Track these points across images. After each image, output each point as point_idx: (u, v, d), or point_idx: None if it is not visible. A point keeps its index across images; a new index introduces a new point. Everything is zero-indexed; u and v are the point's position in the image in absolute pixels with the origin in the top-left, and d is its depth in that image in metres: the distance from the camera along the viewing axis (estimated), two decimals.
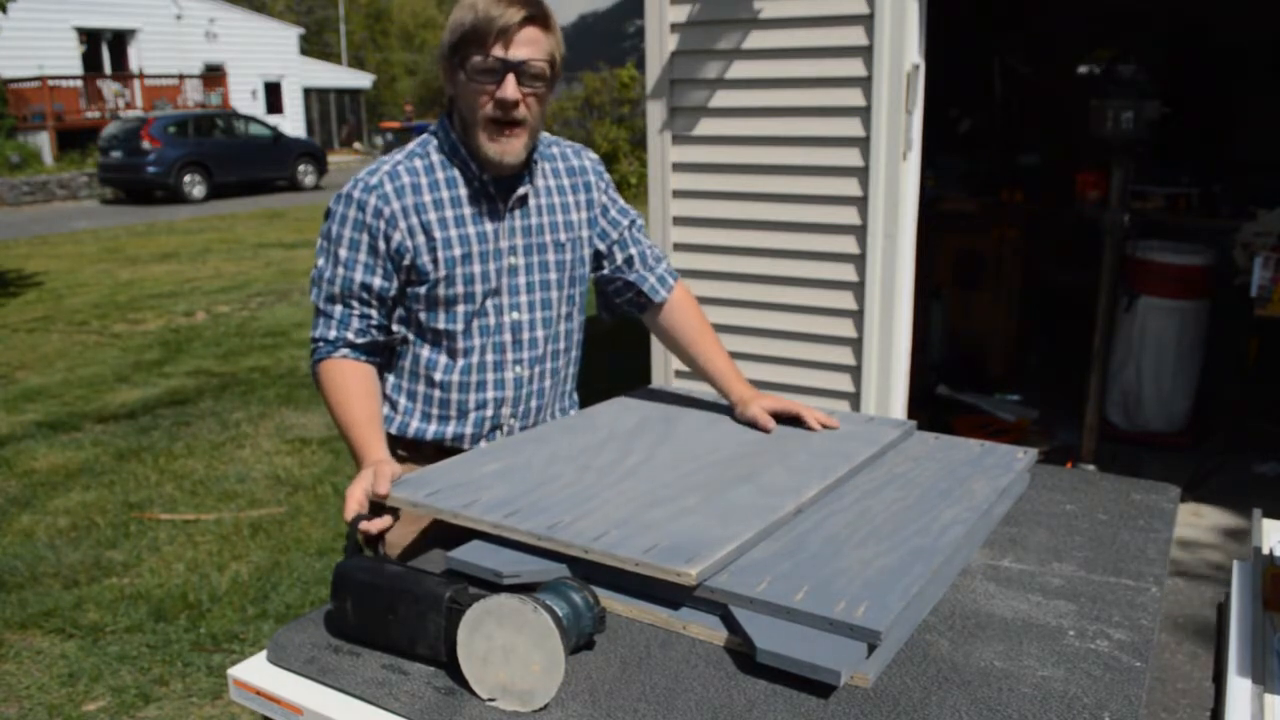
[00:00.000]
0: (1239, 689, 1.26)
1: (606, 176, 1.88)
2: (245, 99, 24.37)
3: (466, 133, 1.66)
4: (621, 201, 1.89)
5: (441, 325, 1.70)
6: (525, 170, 1.71)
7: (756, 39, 3.54)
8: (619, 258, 1.87)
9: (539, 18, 1.59)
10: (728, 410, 1.85)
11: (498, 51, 1.56)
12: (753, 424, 1.76)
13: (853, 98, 3.39)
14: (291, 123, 25.61)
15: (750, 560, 1.26)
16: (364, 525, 1.40)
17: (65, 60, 20.76)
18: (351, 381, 1.65)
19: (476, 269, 1.68)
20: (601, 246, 1.86)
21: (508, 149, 1.63)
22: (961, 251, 5.25)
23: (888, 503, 1.45)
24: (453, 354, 1.72)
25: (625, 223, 1.87)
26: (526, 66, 1.58)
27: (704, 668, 1.14)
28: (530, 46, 1.58)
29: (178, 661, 2.97)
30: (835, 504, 1.45)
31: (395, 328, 1.73)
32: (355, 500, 1.44)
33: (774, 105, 3.56)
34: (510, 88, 1.58)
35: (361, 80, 31.77)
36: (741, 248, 3.74)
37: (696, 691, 1.09)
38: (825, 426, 1.75)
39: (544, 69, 1.61)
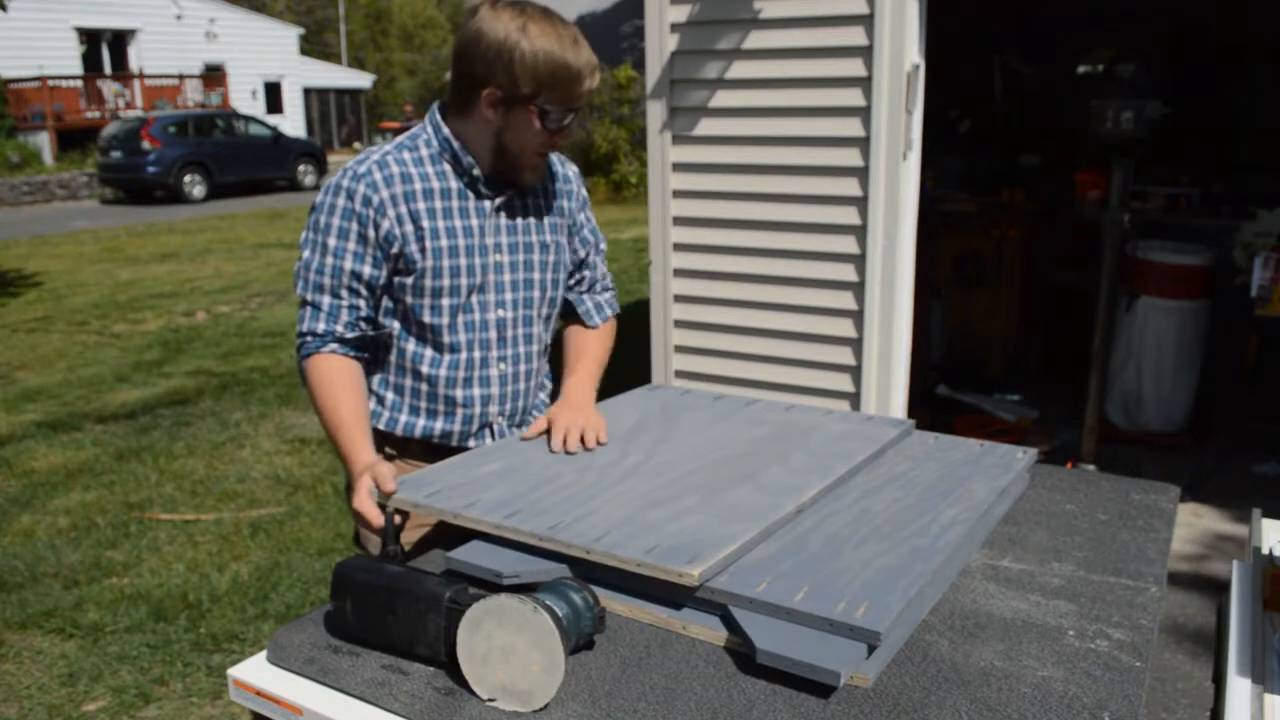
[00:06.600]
0: (1239, 689, 1.26)
1: (585, 193, 1.91)
2: (245, 99, 24.37)
3: (500, 156, 1.67)
4: (594, 221, 1.93)
5: (427, 319, 1.70)
6: None
7: (756, 39, 3.54)
8: (574, 277, 1.91)
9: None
10: (728, 410, 1.85)
11: (575, 103, 1.63)
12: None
13: (853, 98, 3.39)
14: (291, 123, 25.60)
15: (750, 560, 1.26)
16: (395, 516, 1.43)
17: (65, 60, 20.74)
18: (340, 379, 1.65)
19: (463, 262, 1.69)
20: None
21: (540, 173, 1.73)
22: (961, 251, 5.25)
23: (887, 503, 1.45)
24: (439, 348, 1.73)
25: (594, 242, 1.91)
26: None
27: (704, 668, 1.14)
28: None
29: (178, 661, 2.97)
30: (835, 504, 1.45)
31: (383, 320, 1.73)
32: (370, 510, 1.46)
33: (774, 105, 3.56)
34: (572, 130, 1.66)
35: (361, 80, 31.78)
36: (741, 248, 3.74)
37: (696, 691, 1.09)
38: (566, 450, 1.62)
39: None
